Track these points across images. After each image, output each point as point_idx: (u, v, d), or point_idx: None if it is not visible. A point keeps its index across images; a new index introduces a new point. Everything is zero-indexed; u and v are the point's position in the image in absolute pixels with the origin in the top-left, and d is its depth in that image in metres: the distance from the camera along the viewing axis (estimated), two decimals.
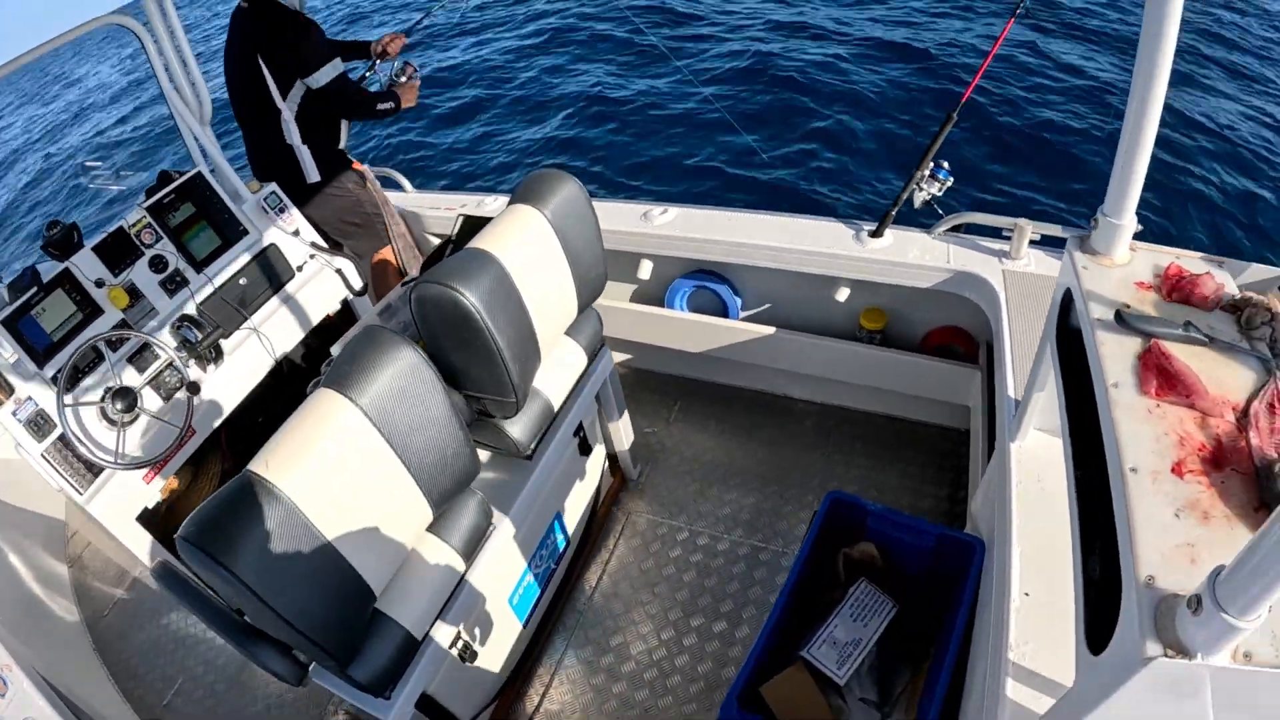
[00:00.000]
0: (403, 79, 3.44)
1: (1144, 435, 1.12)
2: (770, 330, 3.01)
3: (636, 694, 2.53)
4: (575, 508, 2.77)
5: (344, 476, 1.67)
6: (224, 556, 1.45)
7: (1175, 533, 0.98)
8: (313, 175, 3.28)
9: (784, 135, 7.09)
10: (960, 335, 2.91)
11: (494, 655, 2.40)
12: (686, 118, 7.69)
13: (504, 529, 2.26)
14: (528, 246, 2.15)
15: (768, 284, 3.16)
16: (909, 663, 2.32)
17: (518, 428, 2.29)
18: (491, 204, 3.44)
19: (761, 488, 2.98)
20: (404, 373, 1.77)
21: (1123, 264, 1.52)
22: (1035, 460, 1.97)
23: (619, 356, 3.60)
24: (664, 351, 3.35)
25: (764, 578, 2.72)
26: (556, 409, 2.43)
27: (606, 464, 3.01)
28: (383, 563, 1.81)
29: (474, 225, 2.68)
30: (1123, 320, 1.31)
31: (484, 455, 2.42)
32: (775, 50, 8.37)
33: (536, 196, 2.22)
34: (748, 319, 3.21)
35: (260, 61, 3.01)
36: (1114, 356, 1.28)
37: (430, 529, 2.01)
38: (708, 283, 3.18)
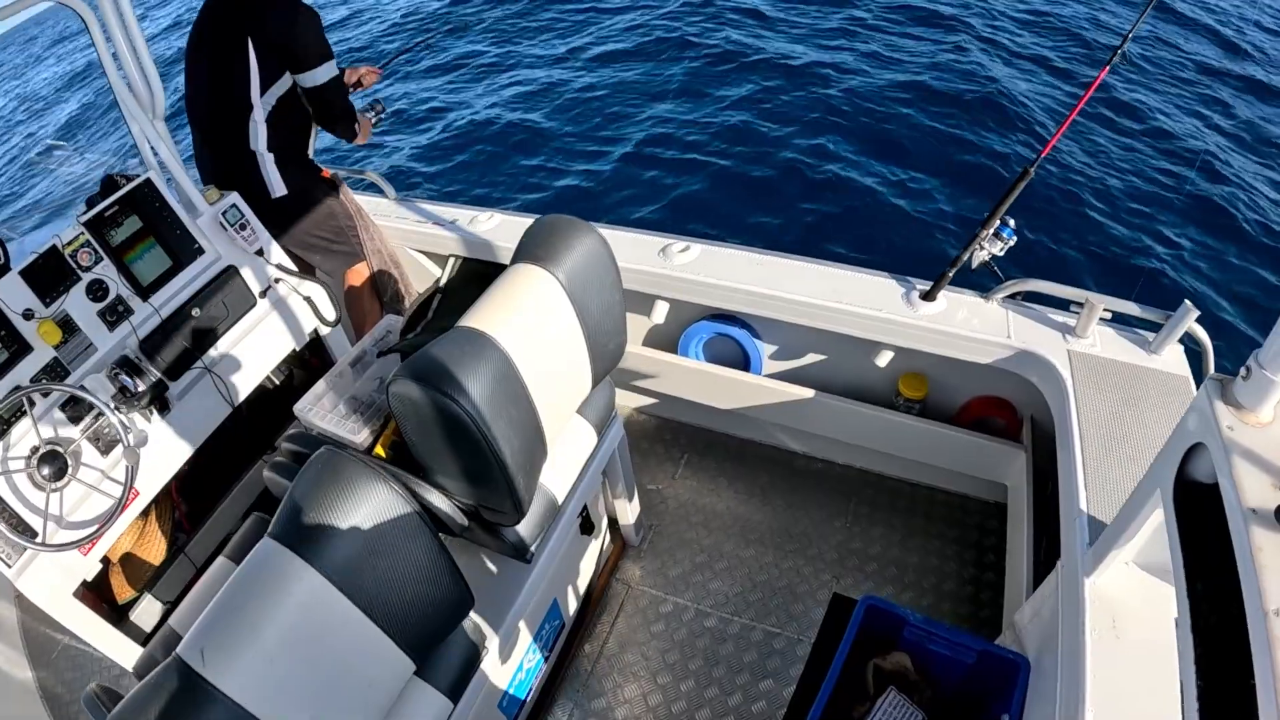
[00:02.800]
0: (370, 115, 3.08)
1: None
2: (798, 390, 2.71)
3: None
4: (573, 587, 2.49)
5: (307, 657, 1.36)
6: None
7: None
8: (277, 189, 2.83)
9: (837, 177, 6.58)
10: (1003, 407, 2.65)
11: None
12: (725, 141, 7.13)
13: (495, 645, 1.98)
14: (537, 320, 1.77)
15: (799, 339, 2.84)
16: None
17: (517, 531, 1.97)
18: (486, 223, 3.02)
19: (776, 561, 2.71)
20: (377, 519, 1.43)
21: (1266, 422, 1.25)
22: (1108, 599, 1.72)
23: (622, 400, 3.27)
24: (674, 400, 3.04)
25: (777, 668, 2.48)
26: (561, 500, 2.12)
27: (607, 532, 2.72)
28: None
29: (470, 272, 2.31)
30: None
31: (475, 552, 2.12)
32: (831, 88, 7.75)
33: (547, 254, 1.82)
34: (773, 374, 2.90)
35: (250, 46, 2.57)
36: (1274, 569, 1.01)
37: (416, 673, 1.71)
38: (729, 329, 2.85)
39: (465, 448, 1.63)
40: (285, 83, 2.69)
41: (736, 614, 2.59)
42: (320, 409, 2.24)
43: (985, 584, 2.59)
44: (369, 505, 1.42)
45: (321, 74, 2.65)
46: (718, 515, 2.89)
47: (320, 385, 2.30)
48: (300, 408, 2.25)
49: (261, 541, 1.40)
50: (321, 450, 1.50)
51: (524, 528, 1.97)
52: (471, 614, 1.86)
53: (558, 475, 2.09)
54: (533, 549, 2.05)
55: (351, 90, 3.07)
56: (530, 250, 1.85)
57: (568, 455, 2.14)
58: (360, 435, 2.13)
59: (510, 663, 2.12)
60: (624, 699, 2.47)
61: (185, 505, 2.82)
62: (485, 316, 1.71)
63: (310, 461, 1.47)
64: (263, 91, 2.67)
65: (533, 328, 1.76)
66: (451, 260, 2.30)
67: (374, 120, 3.10)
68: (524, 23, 10.59)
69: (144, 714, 1.22)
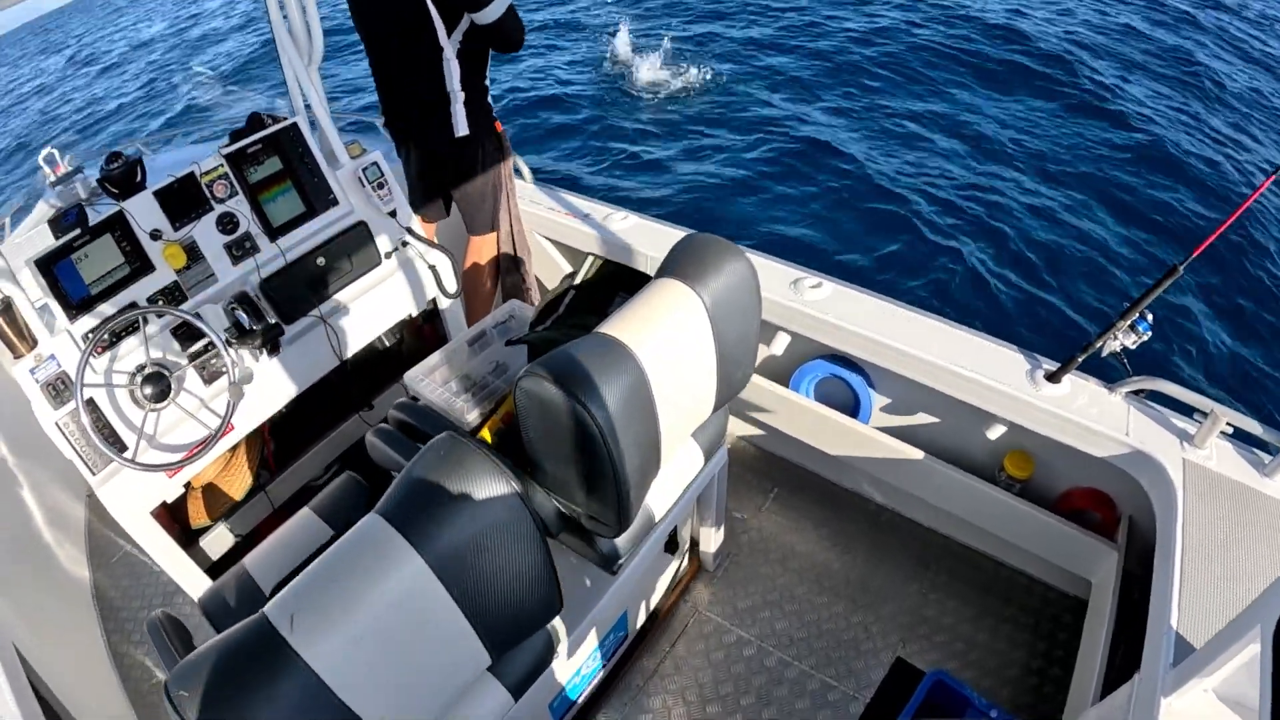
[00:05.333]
0: None
1: None
2: (905, 448, 2.66)
3: None
4: (644, 602, 2.47)
5: (392, 639, 1.32)
6: None
7: None
8: (461, 127, 2.86)
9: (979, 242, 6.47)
10: (1102, 502, 2.57)
11: None
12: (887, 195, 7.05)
13: (565, 648, 1.96)
14: (675, 338, 1.72)
15: (913, 396, 2.78)
16: None
17: (611, 543, 1.95)
18: (621, 223, 3.00)
19: (846, 614, 2.66)
20: (489, 516, 1.38)
21: None
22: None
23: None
24: (775, 432, 3.00)
25: None
26: (657, 519, 2.10)
27: (686, 553, 2.69)
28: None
29: (608, 273, 2.29)
30: None
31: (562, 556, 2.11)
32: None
33: (695, 272, 1.77)
34: (880, 425, 2.86)
35: (428, 2, 2.60)
36: None
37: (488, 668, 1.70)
38: (843, 372, 2.81)
39: (585, 456, 1.60)
40: (466, 20, 2.70)
41: (797, 658, 2.56)
42: (432, 382, 2.25)
43: (1050, 678, 2.52)
44: (485, 499, 1.38)
45: (496, 8, 2.62)
46: (797, 556, 2.85)
47: (434, 358, 2.31)
48: (411, 377, 2.26)
49: (369, 517, 1.37)
50: (444, 435, 1.47)
51: (619, 541, 1.95)
52: (550, 624, 1.84)
53: (659, 495, 2.07)
54: (621, 562, 2.03)
55: None
56: (678, 266, 1.81)
57: (673, 476, 2.11)
58: (469, 416, 2.13)
59: (570, 666, 2.11)
60: None
61: (274, 444, 2.85)
62: (626, 327, 1.68)
63: (432, 444, 1.44)
64: (449, 34, 2.69)
65: (670, 346, 1.73)
66: (590, 259, 2.27)
67: None
68: None
69: (220, 668, 1.19)
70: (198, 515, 2.65)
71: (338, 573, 1.30)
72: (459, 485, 1.36)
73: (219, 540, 2.69)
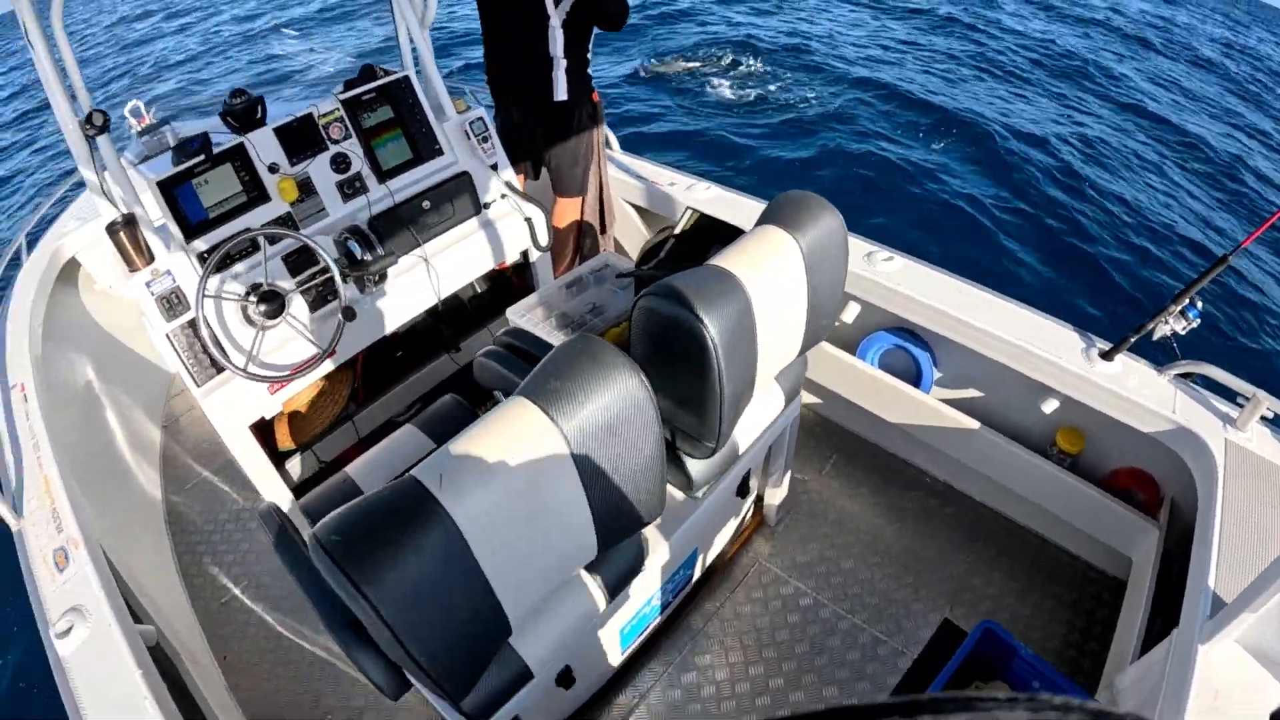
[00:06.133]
0: None
1: None
2: (963, 418, 2.80)
3: None
4: (713, 544, 2.60)
5: (523, 510, 1.41)
6: (365, 582, 1.22)
7: None
8: (561, 92, 3.04)
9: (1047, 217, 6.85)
10: (1148, 483, 2.70)
11: (586, 680, 2.24)
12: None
13: (650, 567, 2.08)
14: (776, 277, 1.88)
15: (973, 367, 2.93)
16: None
17: (699, 467, 2.08)
18: (704, 193, 3.17)
19: (898, 576, 2.79)
20: (621, 404, 1.48)
21: None
22: (1217, 671, 1.75)
23: None
24: (839, 399, 3.15)
25: (875, 673, 2.55)
26: (740, 453, 2.24)
27: (751, 506, 2.82)
28: (532, 601, 1.60)
29: (703, 225, 2.44)
30: None
31: None
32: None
33: (793, 221, 1.93)
34: (940, 396, 3.00)
35: None
36: None
37: (588, 566, 1.81)
38: (908, 344, 2.96)
39: (695, 371, 1.73)
40: None
41: (851, 612, 2.68)
42: (533, 317, 2.39)
43: (1088, 653, 2.63)
44: (618, 389, 1.47)
45: None
46: (852, 519, 2.98)
47: (534, 297, 2.46)
48: (513, 311, 2.41)
49: (511, 397, 1.46)
50: (578, 335, 1.59)
51: (707, 465, 2.09)
52: (642, 532, 1.96)
53: (744, 429, 2.21)
54: (704, 488, 2.16)
55: None
56: (779, 215, 1.97)
57: (757, 414, 2.25)
58: None
59: (644, 592, 2.23)
60: (728, 661, 2.56)
61: (363, 381, 2.99)
62: (737, 261, 1.83)
63: (567, 342, 1.56)
64: (555, 3, 2.87)
65: (771, 284, 1.87)
66: (688, 212, 2.43)
67: None
68: None
69: (370, 519, 1.28)
70: (284, 439, 2.77)
71: (484, 441, 1.40)
72: (597, 374, 1.47)
73: (303, 465, 2.82)
